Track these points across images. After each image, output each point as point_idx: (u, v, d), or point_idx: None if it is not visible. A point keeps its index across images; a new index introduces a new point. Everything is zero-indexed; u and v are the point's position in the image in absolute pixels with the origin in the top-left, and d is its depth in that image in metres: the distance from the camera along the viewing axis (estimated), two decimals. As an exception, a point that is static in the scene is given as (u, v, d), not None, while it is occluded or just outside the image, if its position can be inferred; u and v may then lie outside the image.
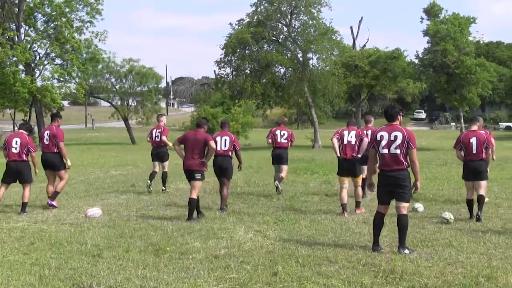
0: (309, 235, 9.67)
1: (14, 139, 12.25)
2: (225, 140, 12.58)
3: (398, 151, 8.30)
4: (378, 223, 8.55)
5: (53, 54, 44.91)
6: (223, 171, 12.53)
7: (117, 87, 58.42)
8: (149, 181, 15.78)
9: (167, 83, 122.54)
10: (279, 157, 15.25)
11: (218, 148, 12.26)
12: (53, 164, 12.91)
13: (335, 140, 12.16)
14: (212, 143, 11.21)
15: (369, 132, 13.11)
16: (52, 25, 44.69)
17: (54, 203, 12.73)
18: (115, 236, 9.61)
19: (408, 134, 8.33)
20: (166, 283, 6.86)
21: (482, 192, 11.15)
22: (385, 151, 8.39)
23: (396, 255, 8.03)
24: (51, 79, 44.73)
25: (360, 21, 60.93)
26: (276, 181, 15.09)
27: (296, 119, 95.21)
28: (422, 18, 50.60)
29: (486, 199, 11.71)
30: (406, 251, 8.22)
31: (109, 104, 62.12)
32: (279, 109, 74.64)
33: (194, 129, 11.52)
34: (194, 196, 11.11)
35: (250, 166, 24.13)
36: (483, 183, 11.23)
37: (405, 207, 8.36)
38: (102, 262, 7.84)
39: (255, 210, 12.37)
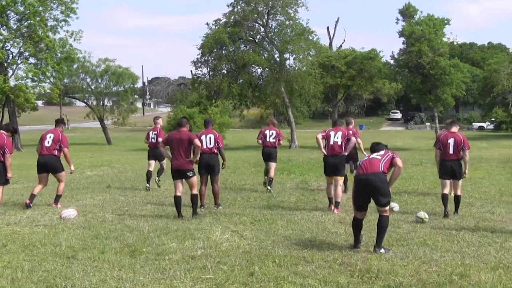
0: (286, 235, 9.69)
1: None
2: (210, 138, 12.80)
3: (379, 156, 8.51)
4: (357, 225, 8.68)
5: (26, 53, 44.37)
6: (211, 169, 12.75)
7: (92, 87, 57.94)
8: (156, 178, 16.79)
9: (143, 83, 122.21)
10: (268, 155, 15.91)
11: (204, 146, 12.53)
12: (53, 166, 13.18)
13: (319, 136, 12.52)
14: (197, 141, 11.57)
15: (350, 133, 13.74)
16: (25, 23, 44.03)
17: (59, 205, 13.09)
18: (90, 237, 9.54)
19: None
20: (142, 284, 6.83)
21: (458, 192, 11.67)
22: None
23: (372, 255, 8.08)
24: (24, 78, 44.32)
25: (337, 22, 61.53)
26: (267, 185, 15.76)
27: (271, 117, 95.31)
28: (397, 19, 50.88)
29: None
30: (382, 250, 8.27)
31: (85, 104, 61.68)
32: (256, 110, 74.82)
33: (176, 129, 11.84)
34: (195, 191, 11.68)
35: (228, 167, 24.05)
36: (459, 182, 11.71)
37: (386, 209, 8.44)
38: (77, 263, 7.78)
39: (231, 211, 12.36)
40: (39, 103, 70.61)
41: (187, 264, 7.72)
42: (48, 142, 13.14)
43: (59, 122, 13.96)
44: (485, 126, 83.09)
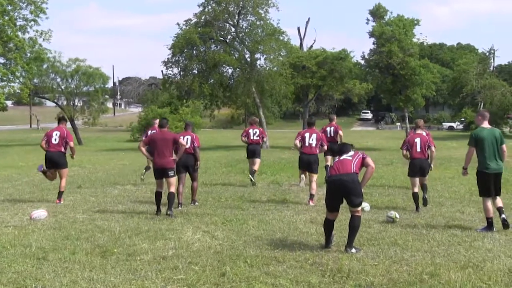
0: (257, 235, 9.71)
1: None
2: (187, 138, 13.19)
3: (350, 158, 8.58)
4: (328, 226, 8.72)
5: (-5, 53, 43.79)
6: (189, 167, 13.26)
7: (62, 87, 57.30)
8: (143, 172, 17.96)
9: (114, 83, 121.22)
10: (252, 152, 17.37)
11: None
12: (58, 162, 13.90)
13: (297, 142, 13.68)
14: (182, 140, 12.25)
15: (332, 128, 17.57)
16: (-7, 23, 43.48)
17: (62, 201, 13.77)
18: (60, 238, 9.46)
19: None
20: (113, 285, 6.80)
21: (425, 182, 12.75)
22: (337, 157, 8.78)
23: (343, 254, 8.14)
24: (-7, 79, 43.67)
25: (307, 22, 61.46)
26: (250, 175, 17.01)
27: (244, 120, 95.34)
28: (367, 20, 51.21)
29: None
30: (353, 250, 8.33)
31: (55, 104, 60.99)
32: (227, 110, 74.71)
33: (159, 130, 12.52)
34: (173, 190, 12.01)
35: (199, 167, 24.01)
36: (426, 178, 12.76)
37: (358, 210, 8.50)
38: (48, 265, 7.71)
39: (203, 211, 12.34)
40: (9, 103, 69.63)
41: (158, 264, 7.70)
42: (55, 140, 13.86)
43: (62, 119, 14.71)
44: (454, 126, 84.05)
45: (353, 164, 8.56)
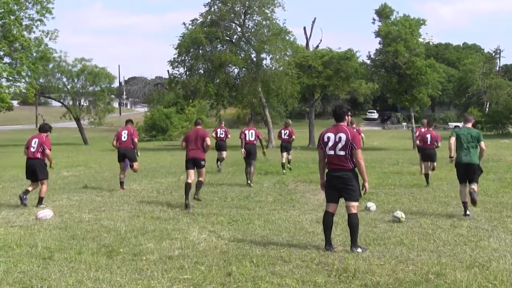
0: (263, 235, 9.70)
1: None
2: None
3: (343, 153, 8.41)
4: (327, 222, 8.63)
5: (1, 53, 43.78)
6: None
7: (68, 87, 57.43)
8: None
9: (120, 83, 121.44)
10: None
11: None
12: (131, 157, 16.49)
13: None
14: (208, 140, 13.55)
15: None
16: (0, 22, 43.64)
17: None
18: (66, 238, 9.48)
19: (352, 136, 8.41)
20: (119, 285, 6.80)
21: (435, 164, 17.70)
22: (331, 152, 8.50)
23: (349, 254, 8.12)
24: (-1, 78, 43.80)
25: (313, 22, 61.07)
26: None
27: (250, 119, 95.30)
28: (374, 19, 51.04)
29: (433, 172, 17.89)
30: (359, 249, 8.31)
31: (61, 104, 61.10)
32: (233, 109, 74.71)
33: (195, 127, 14.10)
34: (202, 179, 13.58)
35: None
36: (434, 163, 17.58)
37: (354, 206, 8.45)
38: (53, 264, 7.72)
39: (209, 211, 12.35)
40: (14, 103, 69.84)
41: (164, 264, 7.70)
42: (125, 137, 16.29)
43: (129, 121, 17.14)
44: (460, 126, 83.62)
45: (347, 158, 8.52)
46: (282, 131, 21.73)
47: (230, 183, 17.64)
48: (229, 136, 23.02)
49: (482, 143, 11.83)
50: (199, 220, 11.20)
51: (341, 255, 8.10)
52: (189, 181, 13.16)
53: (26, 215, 11.86)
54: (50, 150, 13.36)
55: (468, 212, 11.51)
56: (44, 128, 13.78)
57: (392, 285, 6.74)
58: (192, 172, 13.31)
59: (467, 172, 11.82)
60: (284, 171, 20.91)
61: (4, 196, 15.04)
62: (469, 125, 12.28)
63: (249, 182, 17.21)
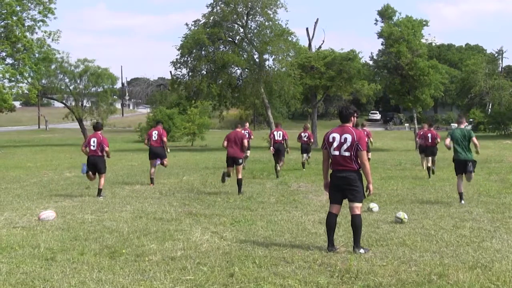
0: (266, 236, 9.70)
1: None
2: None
3: (348, 153, 8.40)
4: (330, 223, 8.61)
5: (3, 54, 43.81)
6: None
7: (71, 87, 57.42)
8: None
9: (123, 83, 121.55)
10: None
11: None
12: (160, 154, 17.97)
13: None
14: (245, 141, 15.75)
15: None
16: (2, 23, 43.53)
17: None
18: (69, 239, 9.48)
19: (358, 137, 8.40)
20: (122, 285, 6.79)
21: (435, 159, 20.68)
22: (336, 153, 8.49)
23: (352, 255, 8.11)
24: (1, 79, 43.65)
25: (316, 23, 61.07)
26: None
27: (253, 120, 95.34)
28: (376, 20, 51.14)
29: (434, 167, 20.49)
30: (362, 250, 8.30)
31: (63, 105, 61.11)
32: (235, 110, 74.69)
33: (233, 130, 16.27)
34: (240, 176, 15.63)
35: (206, 167, 24.09)
36: (435, 158, 20.59)
37: (358, 207, 8.43)
38: (56, 265, 7.72)
39: (211, 211, 12.35)
40: (17, 104, 69.88)
41: (167, 265, 7.69)
42: (155, 137, 17.70)
43: (159, 122, 19.36)
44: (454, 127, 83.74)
45: (352, 159, 8.53)
46: (302, 134, 23.51)
47: (233, 184, 17.61)
48: (252, 137, 23.43)
49: (474, 138, 13.60)
50: (202, 221, 11.19)
51: (344, 256, 8.09)
52: (228, 173, 15.74)
53: (28, 216, 11.87)
54: (108, 147, 15.34)
55: (463, 202, 13.31)
56: (98, 127, 15.85)
57: (395, 286, 6.73)
58: (231, 169, 15.64)
59: (464, 167, 13.55)
60: (304, 169, 22.85)
61: (6, 197, 15.05)
62: (462, 126, 13.92)
63: (277, 176, 19.64)
